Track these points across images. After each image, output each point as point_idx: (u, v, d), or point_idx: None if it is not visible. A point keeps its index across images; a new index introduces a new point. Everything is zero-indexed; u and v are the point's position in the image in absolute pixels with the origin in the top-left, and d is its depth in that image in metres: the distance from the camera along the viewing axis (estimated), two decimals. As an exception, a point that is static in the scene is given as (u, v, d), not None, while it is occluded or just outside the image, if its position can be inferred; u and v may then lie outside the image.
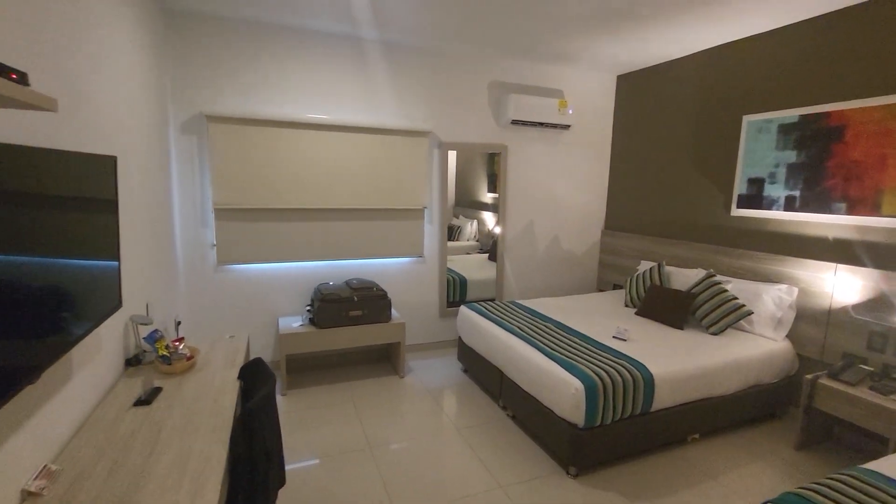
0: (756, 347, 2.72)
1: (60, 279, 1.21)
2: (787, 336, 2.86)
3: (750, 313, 2.86)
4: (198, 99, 3.04)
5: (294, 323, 3.26)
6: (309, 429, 2.68)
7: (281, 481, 1.73)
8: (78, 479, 1.25)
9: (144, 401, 1.68)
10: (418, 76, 3.60)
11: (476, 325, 3.17)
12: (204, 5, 2.82)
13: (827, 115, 2.70)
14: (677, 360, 2.48)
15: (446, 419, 2.83)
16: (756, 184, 3.11)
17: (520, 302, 3.58)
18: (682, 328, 3.02)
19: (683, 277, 3.36)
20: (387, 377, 3.42)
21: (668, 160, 3.81)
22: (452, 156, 3.86)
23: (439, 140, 3.76)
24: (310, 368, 3.57)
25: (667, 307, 3.13)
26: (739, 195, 3.22)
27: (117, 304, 1.55)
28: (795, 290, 2.81)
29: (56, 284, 1.19)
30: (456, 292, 4.04)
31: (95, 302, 1.39)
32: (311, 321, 3.24)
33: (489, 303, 3.52)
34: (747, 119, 3.14)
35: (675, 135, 3.75)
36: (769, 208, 3.03)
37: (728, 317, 2.88)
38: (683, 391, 2.42)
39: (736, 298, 2.92)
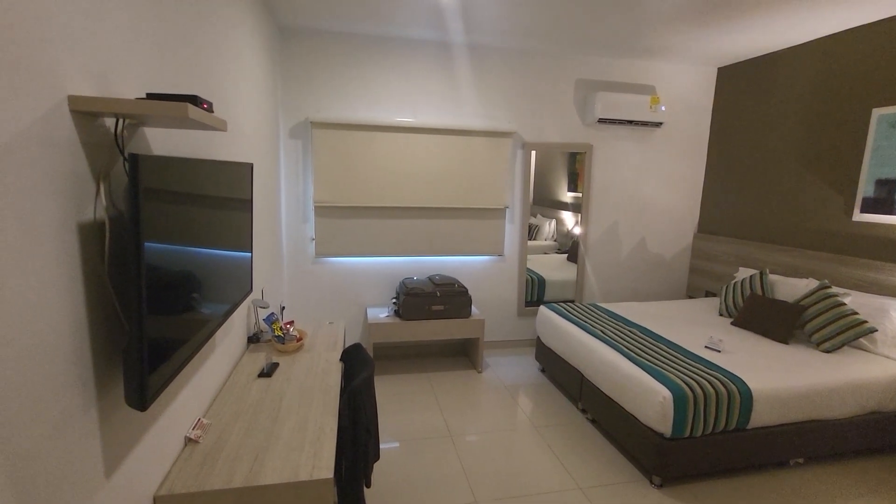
0: (878, 370, 2.43)
1: (226, 267, 1.47)
2: (920, 359, 2.52)
3: (873, 331, 2.56)
4: (304, 106, 3.37)
5: (381, 314, 3.49)
6: (394, 413, 2.88)
7: (376, 456, 1.91)
8: (223, 434, 1.50)
9: (266, 373, 1.94)
10: (503, 77, 3.66)
11: (556, 326, 3.17)
12: (311, 21, 3.11)
13: None
14: (781, 377, 2.29)
15: (523, 416, 2.88)
16: (887, 186, 2.75)
17: (602, 305, 3.50)
18: (786, 342, 2.77)
19: (790, 287, 3.08)
20: (465, 371, 3.54)
21: (776, 159, 3.49)
22: (531, 154, 3.86)
23: (523, 140, 3.78)
24: (393, 357, 3.80)
25: (770, 318, 2.89)
26: (864, 198, 2.87)
27: (250, 290, 1.82)
28: (934, 308, 2.46)
29: (224, 271, 1.46)
30: (534, 292, 4.05)
31: (239, 286, 1.65)
32: (397, 313, 3.45)
33: (570, 304, 3.49)
34: (878, 113, 2.79)
35: (784, 131, 3.42)
36: (903, 214, 2.67)
37: (845, 333, 2.60)
38: (787, 410, 2.24)
39: (856, 313, 2.62)
